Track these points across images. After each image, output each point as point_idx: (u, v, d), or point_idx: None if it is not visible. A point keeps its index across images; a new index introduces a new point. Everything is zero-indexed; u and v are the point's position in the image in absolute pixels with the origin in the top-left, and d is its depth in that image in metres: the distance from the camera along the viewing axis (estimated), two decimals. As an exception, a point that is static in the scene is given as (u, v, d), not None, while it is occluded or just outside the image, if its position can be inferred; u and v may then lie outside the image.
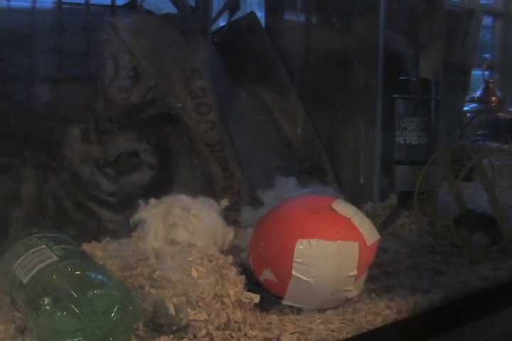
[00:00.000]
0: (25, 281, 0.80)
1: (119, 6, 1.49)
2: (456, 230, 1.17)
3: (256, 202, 1.29)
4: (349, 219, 0.91)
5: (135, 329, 0.80)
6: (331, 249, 0.87)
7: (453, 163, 1.21)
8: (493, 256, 1.19)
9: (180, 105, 1.36)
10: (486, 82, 2.26)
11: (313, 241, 0.86)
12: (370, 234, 0.92)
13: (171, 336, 0.80)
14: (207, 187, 1.38)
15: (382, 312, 0.91)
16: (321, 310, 0.90)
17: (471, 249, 1.18)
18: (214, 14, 1.60)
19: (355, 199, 1.45)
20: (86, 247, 1.07)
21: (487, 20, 2.86)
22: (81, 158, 1.20)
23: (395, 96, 1.39)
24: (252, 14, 1.60)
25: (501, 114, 2.28)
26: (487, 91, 2.26)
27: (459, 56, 1.92)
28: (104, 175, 1.20)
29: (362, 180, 1.57)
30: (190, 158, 1.38)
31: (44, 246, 0.85)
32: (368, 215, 1.37)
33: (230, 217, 1.23)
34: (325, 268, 0.86)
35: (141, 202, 1.03)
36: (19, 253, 0.86)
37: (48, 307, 0.73)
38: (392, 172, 1.39)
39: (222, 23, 1.61)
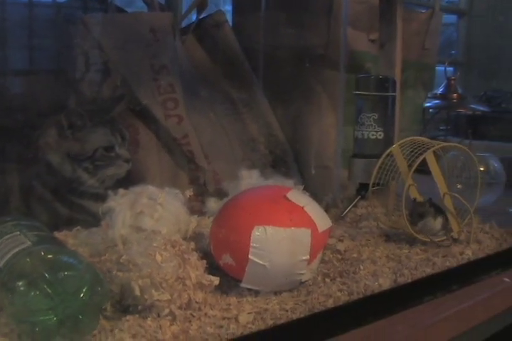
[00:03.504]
0: (0, 265, 0.83)
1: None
2: (409, 219, 1.22)
3: (221, 193, 1.33)
4: (302, 207, 0.96)
5: (103, 310, 0.84)
6: (285, 235, 0.92)
7: (408, 155, 1.27)
8: (445, 244, 1.25)
9: (149, 100, 1.41)
10: (448, 79, 2.33)
11: (269, 228, 0.91)
12: (322, 221, 0.97)
13: (137, 315, 0.85)
14: (174, 179, 1.43)
15: (334, 294, 0.96)
16: (277, 293, 0.96)
17: (422, 238, 1.23)
18: (183, 12, 1.65)
19: (317, 191, 1.51)
20: (58, 235, 1.10)
21: (450, 18, 2.93)
22: (59, 154, 1.24)
23: (354, 92, 1.43)
24: (220, 12, 1.64)
25: (462, 110, 2.35)
26: (449, 88, 2.33)
27: (420, 54, 1.98)
28: (84, 170, 1.25)
29: (323, 173, 1.62)
30: (158, 151, 1.43)
31: (18, 233, 0.88)
32: (329, 207, 1.45)
33: (196, 207, 1.28)
34: (279, 252, 0.91)
35: (110, 192, 1.07)
36: (-6, 240, 0.89)
37: (22, 288, 0.76)
38: (351, 165, 1.44)
39: (190, 20, 1.65)
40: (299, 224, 0.94)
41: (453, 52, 3.02)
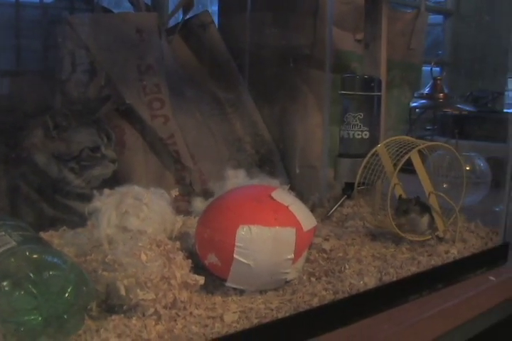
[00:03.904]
0: None
1: (76, 0, 1.53)
2: (394, 218, 1.23)
3: (207, 193, 1.34)
4: (287, 206, 0.96)
5: (88, 310, 0.84)
6: (270, 234, 0.92)
7: (393, 155, 1.28)
8: (431, 243, 1.26)
9: (135, 100, 1.41)
10: (434, 79, 2.34)
11: (254, 228, 0.92)
12: (306, 220, 0.97)
13: (122, 315, 0.85)
14: (160, 179, 1.43)
15: (319, 293, 0.96)
16: (262, 292, 0.96)
17: (407, 237, 1.24)
18: (169, 12, 1.65)
19: (304, 190, 1.51)
20: (43, 235, 1.10)
21: (437, 18, 2.94)
22: (45, 154, 1.24)
23: (340, 92, 1.44)
24: (206, 12, 1.64)
25: (448, 110, 2.36)
26: (435, 88, 2.34)
27: (406, 54, 1.99)
28: (70, 170, 1.25)
29: (310, 173, 1.63)
30: (144, 151, 1.43)
31: (3, 233, 0.88)
32: (315, 206, 1.45)
33: (182, 207, 1.29)
34: (264, 252, 0.92)
35: (95, 192, 1.07)
36: (-21, 240, 0.89)
37: (6, 288, 0.76)
38: (337, 165, 1.44)
39: (176, 20, 1.66)
40: (283, 223, 0.94)
41: (440, 52, 3.03)
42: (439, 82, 2.34)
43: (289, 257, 0.94)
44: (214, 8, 1.80)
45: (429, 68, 2.34)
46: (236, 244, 0.92)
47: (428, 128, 2.48)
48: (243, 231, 0.92)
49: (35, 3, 1.49)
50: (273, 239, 0.93)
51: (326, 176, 1.60)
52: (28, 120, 1.28)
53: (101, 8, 1.53)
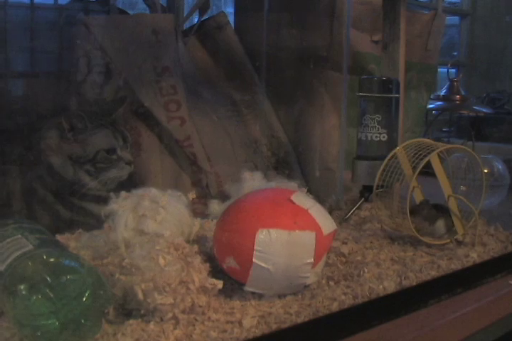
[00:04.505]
0: (2, 269, 0.83)
1: (92, 2, 1.52)
2: (413, 221, 1.22)
3: (223, 196, 1.33)
4: (307, 210, 0.95)
5: (106, 314, 0.84)
6: (289, 238, 0.91)
7: (412, 157, 1.26)
8: (450, 247, 1.24)
9: (151, 102, 1.40)
10: (451, 81, 2.31)
11: (273, 231, 0.91)
12: (326, 224, 0.96)
13: (139, 320, 0.85)
14: (176, 181, 1.42)
15: (339, 297, 0.95)
16: (280, 296, 0.95)
17: (426, 240, 1.23)
18: (185, 13, 1.64)
19: (320, 193, 1.50)
20: (60, 238, 1.11)
21: (453, 19, 2.92)
22: (60, 156, 1.23)
23: (358, 94, 1.42)
24: (222, 14, 1.64)
25: (465, 112, 2.34)
26: (452, 90, 2.31)
27: (423, 56, 1.97)
28: (86, 172, 1.24)
29: (326, 175, 1.61)
30: (160, 153, 1.42)
31: (20, 236, 0.88)
32: (332, 209, 1.44)
33: (198, 209, 1.28)
34: (283, 256, 0.91)
35: (112, 194, 1.07)
36: (-4, 243, 0.88)
37: (23, 292, 0.76)
38: (354, 167, 1.43)
39: (193, 22, 1.65)
40: (303, 227, 0.93)
41: (455, 53, 3.01)
42: (455, 83, 2.31)
43: (308, 261, 0.93)
44: (229, 10, 1.79)
45: (445, 70, 2.32)
46: (255, 247, 0.91)
47: (444, 130, 2.47)
48: (262, 235, 0.91)
49: (49, 5, 1.48)
50: (293, 242, 0.92)
51: (343, 178, 1.59)
52: (43, 122, 1.28)
53: (117, 9, 1.53)
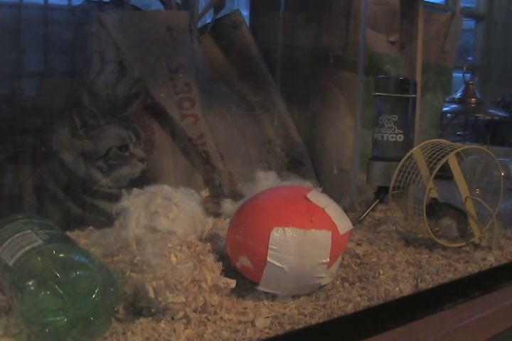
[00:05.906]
0: (10, 264, 0.82)
1: (106, 2, 1.51)
2: (430, 224, 1.20)
3: (236, 195, 1.32)
4: (323, 209, 0.93)
5: (116, 311, 0.82)
6: (305, 237, 0.89)
7: (429, 158, 1.24)
8: (466, 250, 1.22)
9: (165, 99, 1.39)
10: (466, 84, 2.30)
11: (288, 230, 0.89)
12: (342, 223, 0.94)
13: (150, 318, 0.83)
14: (189, 180, 1.41)
15: (354, 299, 0.93)
16: (294, 296, 0.93)
17: (442, 243, 1.21)
18: (200, 11, 1.64)
19: (334, 194, 1.48)
20: (70, 235, 1.09)
21: (470, 23, 2.90)
22: (72, 153, 1.23)
23: (374, 94, 1.41)
24: (237, 12, 1.63)
25: (480, 115, 2.33)
26: (467, 93, 2.30)
27: (439, 57, 1.96)
28: (98, 169, 1.23)
29: (341, 176, 1.60)
30: (173, 151, 1.41)
31: (29, 231, 0.87)
32: (346, 210, 1.42)
33: (211, 208, 1.26)
34: (298, 255, 0.89)
35: (124, 191, 1.05)
36: (5, 237, 0.87)
37: (32, 288, 0.74)
38: (370, 168, 1.41)
39: (207, 20, 1.64)
40: (319, 225, 0.91)
41: (470, 58, 3.00)
42: (471, 86, 2.30)
43: (324, 261, 0.91)
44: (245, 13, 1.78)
45: (459, 74, 2.30)
46: (270, 246, 0.89)
47: (459, 133, 2.45)
48: (277, 234, 0.89)
49: (63, 5, 1.47)
50: (308, 242, 0.89)
51: (357, 180, 1.57)
52: (55, 119, 1.27)
53: (131, 6, 1.52)
